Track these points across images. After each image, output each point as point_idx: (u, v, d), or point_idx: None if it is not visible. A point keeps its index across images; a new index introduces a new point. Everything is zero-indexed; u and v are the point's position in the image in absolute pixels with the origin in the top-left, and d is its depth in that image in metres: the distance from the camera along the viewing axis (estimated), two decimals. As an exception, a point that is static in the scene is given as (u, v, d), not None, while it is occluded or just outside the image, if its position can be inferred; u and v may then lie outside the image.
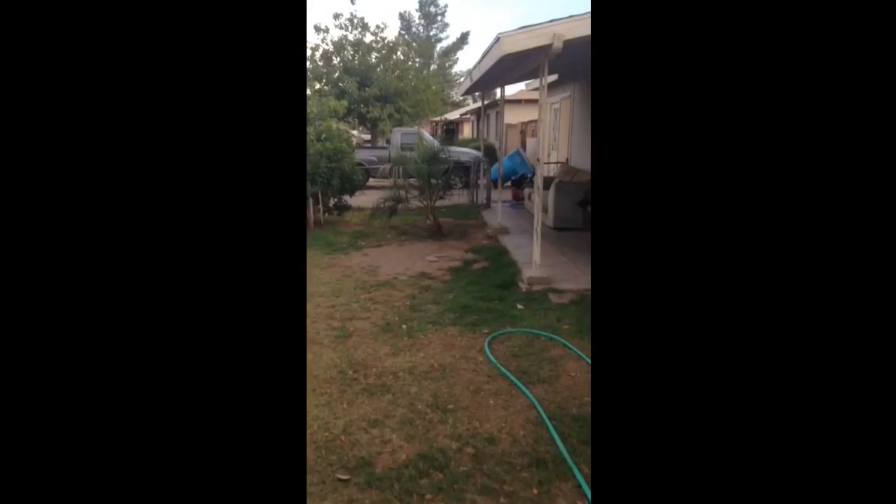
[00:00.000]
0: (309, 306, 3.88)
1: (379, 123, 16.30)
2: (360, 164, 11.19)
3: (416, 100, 16.24)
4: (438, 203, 6.94)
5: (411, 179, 6.50)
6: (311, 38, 19.88)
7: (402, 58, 16.54)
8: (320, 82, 15.61)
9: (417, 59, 17.33)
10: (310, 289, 4.29)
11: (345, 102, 7.69)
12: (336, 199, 7.17)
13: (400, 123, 16.99)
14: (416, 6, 27.16)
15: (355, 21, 15.70)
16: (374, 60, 15.99)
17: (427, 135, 12.24)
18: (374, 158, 11.39)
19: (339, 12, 15.93)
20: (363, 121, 16.51)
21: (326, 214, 7.08)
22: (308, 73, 15.56)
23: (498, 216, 6.67)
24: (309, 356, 3.01)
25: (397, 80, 15.52)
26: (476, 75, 5.43)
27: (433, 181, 6.37)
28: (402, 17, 26.35)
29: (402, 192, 6.37)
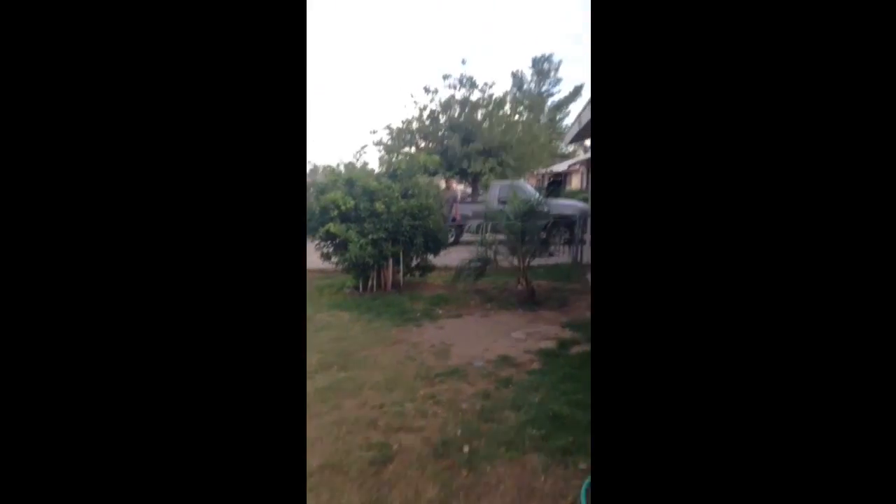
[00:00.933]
0: (352, 404, 3.08)
1: (480, 178, 15.95)
2: (453, 221, 10.63)
3: (521, 153, 15.66)
4: (535, 262, 5.93)
5: (502, 236, 5.63)
6: (421, 98, 20.71)
7: (507, 112, 16.24)
8: (425, 141, 15.80)
9: (525, 113, 16.85)
10: (362, 376, 3.51)
11: (436, 157, 7.17)
12: (419, 259, 6.51)
13: (503, 177, 16.50)
14: (529, 64, 26.93)
15: (464, 80, 15.86)
16: (479, 117, 15.89)
17: (529, 187, 11.37)
18: (469, 213, 10.78)
19: (448, 73, 16.16)
20: (465, 176, 16.29)
21: (408, 276, 6.45)
22: (413, 134, 15.89)
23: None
24: (324, 496, 2.15)
25: (502, 133, 15.13)
26: (585, 118, 4.55)
27: (527, 238, 5.43)
28: (514, 75, 26.19)
29: (490, 252, 5.50)
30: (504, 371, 3.58)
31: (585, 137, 7.85)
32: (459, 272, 5.63)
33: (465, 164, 14.99)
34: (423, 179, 6.90)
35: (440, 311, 5.32)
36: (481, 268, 5.52)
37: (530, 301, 5.33)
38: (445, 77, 15.76)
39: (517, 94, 18.08)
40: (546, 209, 5.72)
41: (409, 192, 6.31)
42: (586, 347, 3.97)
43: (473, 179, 16.01)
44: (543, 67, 28.87)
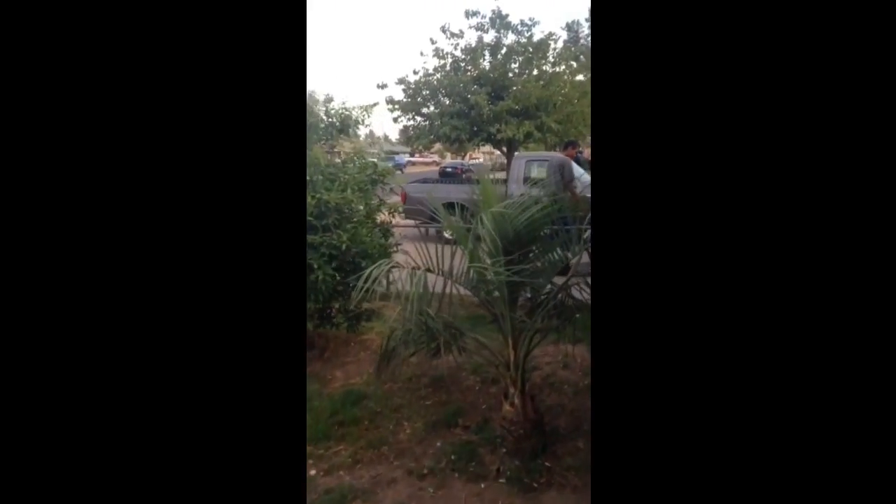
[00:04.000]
0: None
1: (517, 146, 12.59)
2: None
3: (568, 113, 12.11)
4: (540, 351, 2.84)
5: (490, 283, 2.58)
6: (443, 43, 17.05)
7: (551, 62, 12.61)
8: (449, 98, 12.52)
9: (581, 73, 12.97)
10: None
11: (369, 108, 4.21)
12: (340, 303, 3.58)
13: (542, 147, 13.05)
14: (588, 15, 21.76)
15: (496, 18, 12.32)
16: (515, 67, 12.41)
17: (576, 166, 8.04)
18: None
19: (474, 9, 12.47)
20: (496, 144, 12.99)
21: (333, 328, 3.59)
22: (434, 89, 12.68)
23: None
24: None
25: (542, 88, 11.62)
26: None
27: (522, 298, 2.40)
28: (569, 27, 21.36)
29: (483, 290, 2.49)
30: None
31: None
32: (384, 357, 2.65)
33: (492, 129, 11.69)
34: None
35: (338, 451, 2.34)
36: (435, 350, 2.52)
37: (531, 456, 2.29)
38: (472, 14, 12.17)
39: (571, 48, 13.97)
40: (571, 222, 2.65)
41: (317, 177, 3.35)
42: None
43: (508, 148, 12.67)
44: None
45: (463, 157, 23.82)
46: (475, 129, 12.13)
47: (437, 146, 15.66)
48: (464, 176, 13.97)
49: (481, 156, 34.95)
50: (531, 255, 2.37)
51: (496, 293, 2.34)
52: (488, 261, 2.27)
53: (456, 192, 7.44)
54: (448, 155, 26.27)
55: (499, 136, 11.64)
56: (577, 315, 2.43)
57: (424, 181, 8.90)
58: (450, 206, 6.82)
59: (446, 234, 3.24)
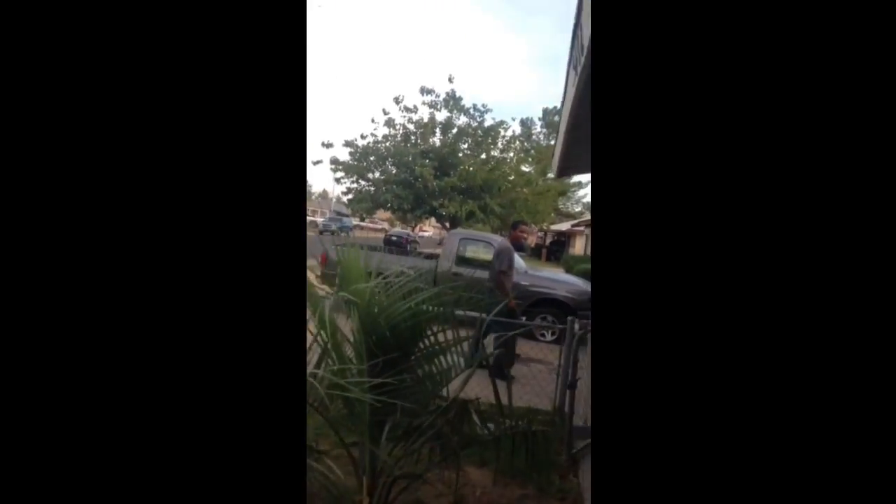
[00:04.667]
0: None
1: (460, 223, 12.40)
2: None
3: (512, 199, 12.18)
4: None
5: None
6: (395, 114, 17.17)
7: (500, 151, 12.85)
8: (396, 167, 12.29)
9: (524, 158, 13.23)
10: None
11: None
12: None
13: (485, 228, 12.95)
14: (540, 114, 20.73)
15: (449, 99, 12.55)
16: (465, 148, 12.52)
17: (503, 241, 7.71)
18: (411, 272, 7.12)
19: (429, 87, 12.59)
20: (439, 219, 12.78)
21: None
22: (381, 156, 12.49)
23: None
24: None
25: (487, 171, 11.67)
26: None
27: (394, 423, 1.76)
28: (523, 123, 21.08)
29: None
30: None
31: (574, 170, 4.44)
32: None
33: (436, 203, 11.48)
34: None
35: None
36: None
37: None
38: (427, 92, 12.31)
39: (523, 142, 14.13)
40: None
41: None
42: None
43: (452, 224, 12.44)
44: (555, 120, 25.41)
45: (413, 228, 23.47)
46: (419, 200, 11.89)
47: (387, 214, 15.24)
48: (408, 247, 13.54)
49: (430, 229, 35.00)
50: (413, 359, 1.75)
51: (357, 411, 1.67)
52: (353, 363, 1.64)
53: (386, 263, 6.89)
54: (398, 224, 25.75)
55: (441, 211, 11.41)
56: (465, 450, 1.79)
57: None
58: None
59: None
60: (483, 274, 6.77)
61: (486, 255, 7.38)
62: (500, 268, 4.57)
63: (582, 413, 3.70)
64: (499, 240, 6.29)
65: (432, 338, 1.74)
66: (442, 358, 1.81)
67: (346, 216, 35.38)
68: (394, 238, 22.25)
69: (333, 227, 32.64)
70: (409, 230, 24.50)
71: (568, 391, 3.17)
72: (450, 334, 1.76)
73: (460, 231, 8.13)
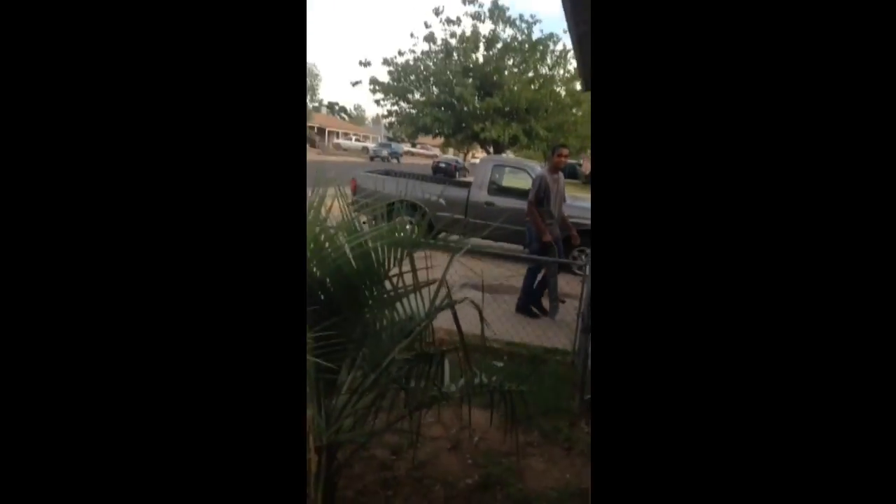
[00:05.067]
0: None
1: (504, 150, 11.72)
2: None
3: (559, 122, 11.25)
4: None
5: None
6: (435, 27, 15.81)
7: (549, 67, 11.68)
8: (437, 86, 11.56)
9: (572, 71, 11.94)
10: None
11: None
12: None
13: (528, 154, 12.21)
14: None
15: (494, 12, 11.39)
16: (511, 64, 11.49)
17: (540, 174, 7.09)
18: (441, 201, 6.68)
19: None
20: (481, 144, 12.12)
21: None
22: (421, 75, 11.75)
23: None
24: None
25: (534, 91, 10.73)
26: None
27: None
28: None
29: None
30: None
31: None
32: None
33: (478, 127, 10.80)
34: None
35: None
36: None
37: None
38: (470, 1, 11.14)
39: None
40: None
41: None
42: None
43: (495, 149, 11.76)
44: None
45: (464, 155, 22.60)
46: (460, 124, 11.26)
47: (439, 140, 14.62)
48: (458, 174, 13.08)
49: (483, 155, 33.83)
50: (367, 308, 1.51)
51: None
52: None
53: (419, 189, 6.40)
54: (451, 151, 24.67)
55: (482, 136, 10.77)
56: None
57: (387, 173, 7.94)
58: (410, 207, 5.80)
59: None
60: (521, 205, 6.36)
61: (525, 183, 6.90)
62: (529, 197, 4.17)
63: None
64: (537, 168, 5.77)
65: (388, 283, 1.48)
66: (405, 304, 1.56)
67: (397, 142, 34.55)
68: (442, 165, 21.56)
69: (384, 152, 32.26)
70: (459, 157, 23.67)
71: (582, 335, 2.90)
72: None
73: (493, 157, 7.61)
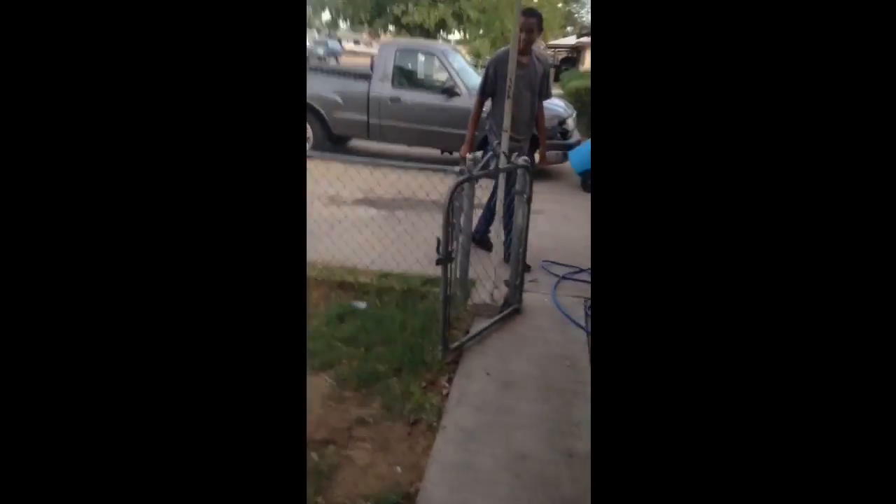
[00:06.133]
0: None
1: (436, 35, 10.24)
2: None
3: (495, 2, 9.73)
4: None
5: None
6: None
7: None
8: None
9: None
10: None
11: None
12: None
13: (464, 41, 10.77)
14: None
15: None
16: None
17: (459, 58, 5.90)
18: (338, 98, 5.58)
19: None
20: (407, 29, 10.52)
21: None
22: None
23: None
24: None
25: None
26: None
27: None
28: None
29: None
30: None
31: None
32: None
33: (399, 11, 9.21)
34: None
35: None
36: None
37: None
38: None
39: None
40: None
41: None
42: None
43: (425, 37, 10.25)
44: None
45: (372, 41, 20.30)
46: (381, 8, 9.62)
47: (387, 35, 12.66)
48: (332, 60, 11.70)
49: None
50: None
51: None
52: None
53: (320, 87, 5.35)
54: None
55: (404, 21, 9.23)
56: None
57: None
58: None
59: None
60: (436, 100, 5.33)
61: (441, 74, 5.82)
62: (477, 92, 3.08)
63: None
64: (439, 46, 4.63)
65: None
66: None
67: (334, 39, 31.01)
68: (318, 54, 17.40)
69: (320, 51, 28.99)
70: (336, 40, 20.77)
71: (441, 267, 2.16)
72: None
73: (395, 40, 6.38)
